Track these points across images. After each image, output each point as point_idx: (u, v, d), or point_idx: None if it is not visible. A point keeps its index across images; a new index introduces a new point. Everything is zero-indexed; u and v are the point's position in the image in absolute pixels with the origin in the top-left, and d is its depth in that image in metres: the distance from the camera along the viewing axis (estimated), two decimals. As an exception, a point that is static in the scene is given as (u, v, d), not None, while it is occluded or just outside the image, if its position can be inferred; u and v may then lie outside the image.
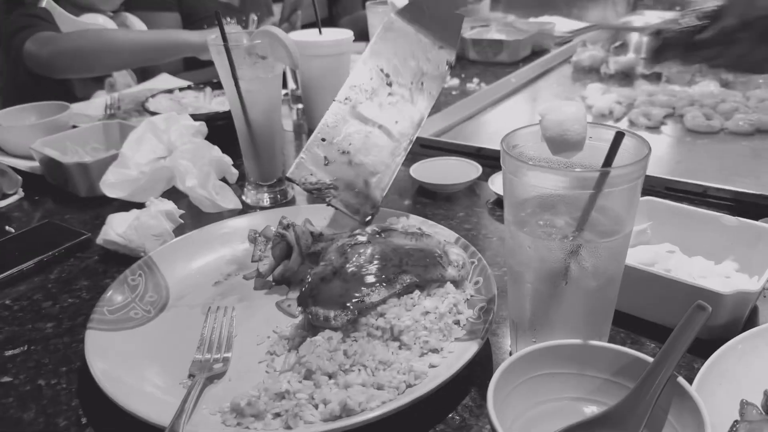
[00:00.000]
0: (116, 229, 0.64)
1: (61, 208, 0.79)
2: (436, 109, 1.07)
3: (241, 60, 0.68)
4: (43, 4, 1.18)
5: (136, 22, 1.29)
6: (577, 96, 1.09)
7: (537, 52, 1.43)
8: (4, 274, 0.62)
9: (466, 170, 0.79)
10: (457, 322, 0.49)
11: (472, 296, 0.52)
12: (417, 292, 0.50)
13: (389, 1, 1.02)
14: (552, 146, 0.45)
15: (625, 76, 1.19)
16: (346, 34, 0.97)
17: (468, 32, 1.45)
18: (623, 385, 0.39)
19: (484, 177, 0.77)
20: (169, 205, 0.67)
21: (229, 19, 1.52)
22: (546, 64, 1.32)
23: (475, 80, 1.25)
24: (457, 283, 0.53)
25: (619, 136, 0.38)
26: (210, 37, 0.69)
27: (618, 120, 0.97)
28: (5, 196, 0.80)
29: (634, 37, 1.32)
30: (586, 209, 0.40)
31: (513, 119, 1.04)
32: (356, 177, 0.62)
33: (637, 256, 0.55)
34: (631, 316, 0.52)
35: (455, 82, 1.25)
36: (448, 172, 0.79)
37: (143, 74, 1.33)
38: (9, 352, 0.53)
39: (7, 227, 0.74)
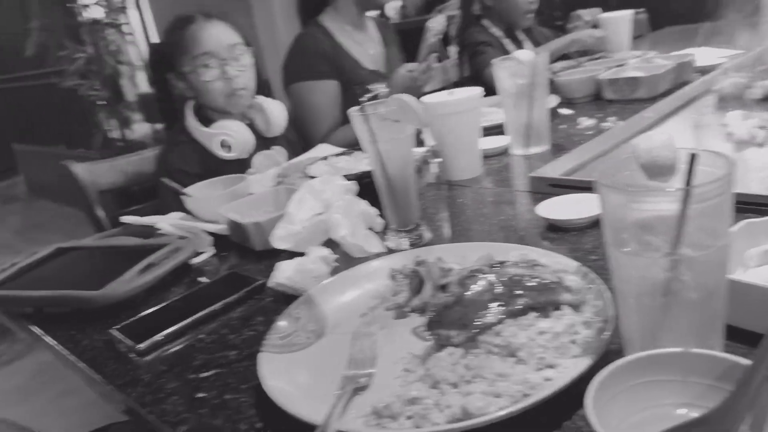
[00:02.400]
0: (284, 273, 0.77)
1: (242, 261, 0.95)
2: (566, 149, 1.11)
3: (378, 124, 0.80)
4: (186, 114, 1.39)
5: (272, 106, 1.46)
6: (718, 124, 1.07)
7: (678, 86, 1.40)
8: (199, 314, 0.77)
9: (593, 205, 0.82)
10: (573, 342, 0.53)
11: (590, 319, 0.56)
12: (533, 314, 0.55)
13: (514, 56, 1.10)
14: (646, 172, 0.49)
15: (773, 100, 1.13)
16: (474, 91, 1.06)
17: (603, 73, 1.47)
18: (727, 390, 0.41)
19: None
20: (326, 252, 0.80)
21: (377, 86, 1.70)
22: (686, 95, 1.30)
23: (612, 119, 1.26)
24: (575, 307, 0.57)
25: (693, 157, 0.42)
26: (352, 108, 0.82)
27: (762, 145, 0.94)
28: (199, 254, 0.98)
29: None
30: (678, 225, 0.44)
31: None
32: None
33: (763, 276, 0.56)
34: (753, 332, 0.52)
35: (591, 122, 1.28)
36: (575, 207, 0.82)
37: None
38: (203, 374, 0.66)
39: (199, 278, 0.91)
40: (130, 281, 0.86)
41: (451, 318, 0.55)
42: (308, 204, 0.92)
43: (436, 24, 1.47)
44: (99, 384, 0.70)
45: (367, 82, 1.69)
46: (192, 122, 1.39)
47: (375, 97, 1.70)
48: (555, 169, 0.97)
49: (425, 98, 1.07)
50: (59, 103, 4.45)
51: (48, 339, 0.82)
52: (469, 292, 0.57)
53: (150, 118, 6.70)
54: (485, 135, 1.22)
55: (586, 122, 1.28)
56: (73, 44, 3.67)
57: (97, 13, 3.84)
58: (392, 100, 0.80)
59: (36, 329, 0.85)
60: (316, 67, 1.63)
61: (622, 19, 1.91)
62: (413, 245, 0.85)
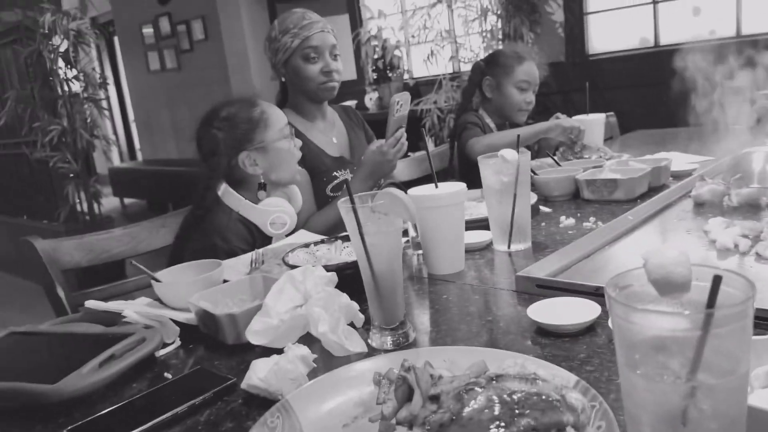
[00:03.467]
0: (258, 373, 0.71)
1: (211, 355, 0.88)
2: (552, 249, 1.10)
3: (366, 217, 0.77)
4: (220, 192, 1.38)
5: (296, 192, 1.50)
6: (700, 231, 1.08)
7: (654, 189, 1.43)
8: (161, 417, 0.70)
9: (585, 310, 0.79)
10: (579, 468, 0.49)
11: (594, 441, 0.52)
12: (536, 436, 0.51)
13: (500, 154, 1.10)
14: (658, 288, 0.47)
15: (750, 208, 1.15)
16: (459, 186, 1.06)
17: (581, 174, 1.49)
18: None
19: (605, 316, 0.77)
20: (304, 351, 0.74)
21: (343, 173, 1.70)
22: (665, 199, 1.32)
23: (592, 219, 1.27)
24: (578, 429, 0.53)
25: (717, 279, 0.40)
26: (341, 200, 0.79)
27: (745, 254, 0.94)
28: (165, 345, 0.92)
29: (756, 169, 1.29)
30: (698, 350, 0.41)
31: (633, 256, 1.03)
32: None
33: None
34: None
35: (571, 221, 1.28)
36: (566, 311, 0.80)
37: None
38: (165, 489, 0.59)
39: (165, 374, 0.84)
40: (88, 375, 0.79)
41: (446, 438, 0.51)
42: (288, 295, 0.87)
43: (400, 98, 1.50)
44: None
45: (332, 170, 1.70)
46: (241, 201, 1.37)
47: (341, 184, 1.71)
48: (541, 269, 0.95)
49: (411, 191, 1.06)
50: (27, 174, 4.37)
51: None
52: (467, 409, 0.52)
53: (118, 192, 6.61)
54: (466, 229, 1.21)
55: (566, 221, 1.28)
56: (49, 116, 3.65)
57: (76, 87, 3.85)
58: (382, 193, 0.78)
59: (-23, 427, 0.77)
60: None
61: (597, 121, 1.98)
62: (397, 345, 0.81)
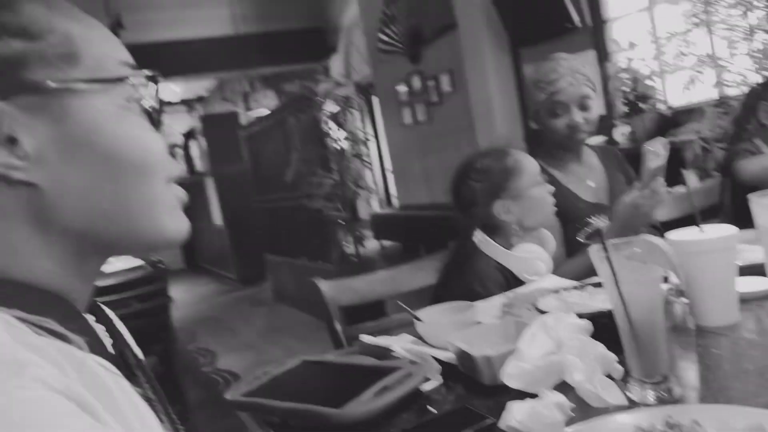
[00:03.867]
0: (516, 415, 0.75)
1: (470, 394, 0.94)
2: None
3: (621, 265, 0.77)
4: (477, 239, 1.46)
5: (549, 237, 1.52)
6: None
7: None
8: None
9: None
10: None
11: None
12: None
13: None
14: None
15: None
16: (729, 229, 0.97)
17: None
18: None
19: None
20: (561, 398, 0.76)
21: (598, 219, 1.65)
22: None
23: None
24: None
25: None
26: (593, 247, 0.80)
27: None
28: (427, 380, 1.00)
29: None
30: None
31: None
32: None
33: None
34: None
35: None
36: None
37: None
38: None
39: (429, 407, 0.92)
40: (367, 403, 0.91)
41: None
42: (540, 341, 0.90)
43: (655, 147, 1.41)
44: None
45: (586, 216, 1.66)
46: (497, 248, 1.45)
47: (596, 232, 1.64)
48: None
49: (671, 235, 1.01)
50: (306, 222, 5.08)
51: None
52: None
53: (378, 235, 7.27)
54: (741, 275, 1.09)
55: None
56: (323, 172, 4.22)
57: (344, 145, 4.41)
58: (638, 240, 0.77)
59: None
60: None
61: None
62: (660, 401, 0.77)
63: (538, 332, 0.91)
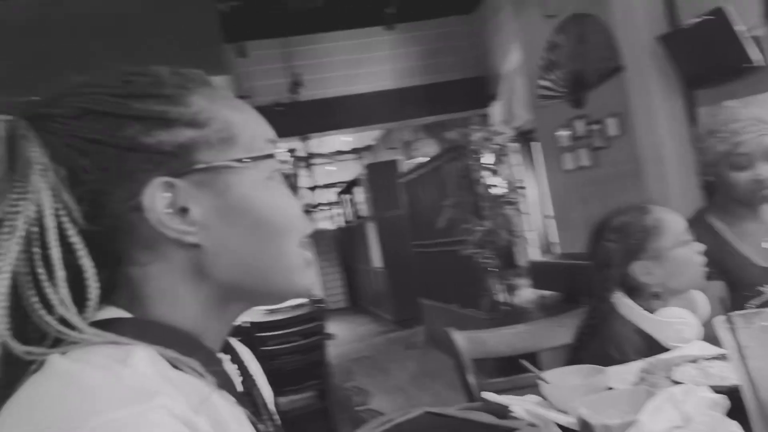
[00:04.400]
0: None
1: (588, 463, 0.91)
2: None
3: (750, 336, 0.71)
4: (615, 300, 1.38)
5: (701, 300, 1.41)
6: None
7: None
8: None
9: None
10: None
11: None
12: None
13: None
14: None
15: None
16: None
17: None
18: None
19: None
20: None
21: None
22: None
23: None
24: None
25: None
26: (718, 317, 0.75)
27: None
28: (547, 444, 0.98)
29: None
30: None
31: None
32: None
33: None
34: None
35: None
36: None
37: None
38: None
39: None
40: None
41: None
42: (665, 415, 0.84)
43: None
44: None
45: (758, 283, 1.49)
46: (635, 310, 1.37)
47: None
48: None
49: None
50: (458, 268, 5.11)
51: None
52: None
53: (537, 284, 7.09)
54: None
55: None
56: (475, 218, 4.25)
57: (499, 191, 4.40)
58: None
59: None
60: None
61: None
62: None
63: (664, 404, 0.86)
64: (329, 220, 10.73)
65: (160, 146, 0.58)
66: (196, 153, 0.59)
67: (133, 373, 0.50)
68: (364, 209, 8.58)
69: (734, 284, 1.50)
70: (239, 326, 3.21)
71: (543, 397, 1.14)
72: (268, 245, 0.62)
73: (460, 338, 1.65)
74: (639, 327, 1.34)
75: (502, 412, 1.10)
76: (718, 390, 0.86)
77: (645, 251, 1.38)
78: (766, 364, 0.71)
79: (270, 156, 0.64)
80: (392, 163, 8.25)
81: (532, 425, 1.01)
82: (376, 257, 8.18)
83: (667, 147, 5.37)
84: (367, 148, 13.54)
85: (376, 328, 8.01)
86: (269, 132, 0.66)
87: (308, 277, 0.66)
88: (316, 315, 3.57)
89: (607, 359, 1.29)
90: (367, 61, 8.73)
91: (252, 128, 0.64)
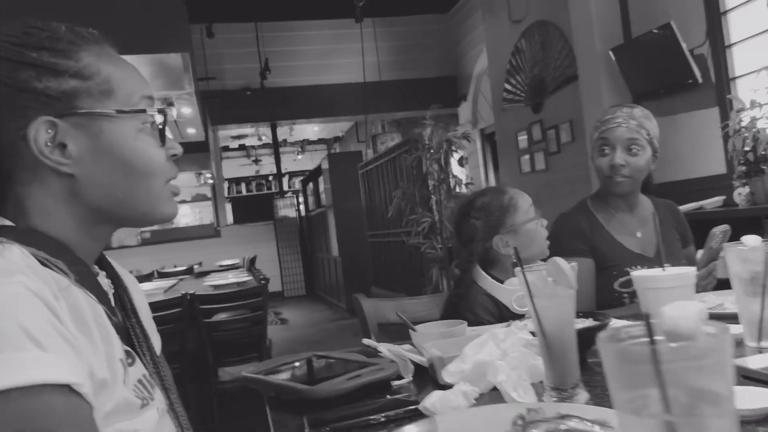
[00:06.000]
0: (430, 399, 0.88)
1: (430, 390, 1.07)
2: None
3: (536, 282, 0.88)
4: (474, 273, 1.59)
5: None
6: None
7: None
8: (360, 419, 0.92)
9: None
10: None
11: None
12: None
13: (742, 240, 1.03)
14: (667, 337, 0.50)
15: None
16: (687, 269, 1.03)
17: None
18: None
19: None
20: (468, 388, 0.88)
21: (639, 267, 1.67)
22: None
23: None
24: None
25: (647, 317, 0.44)
26: (516, 270, 0.92)
27: None
28: (400, 378, 1.15)
29: None
30: (660, 385, 0.44)
31: None
32: None
33: None
34: None
35: None
36: (753, 399, 0.74)
37: None
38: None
39: (388, 396, 1.06)
40: (336, 385, 1.07)
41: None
42: (487, 349, 1.02)
43: (722, 230, 1.45)
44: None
45: (625, 265, 1.69)
46: (487, 280, 1.58)
47: (629, 282, 1.67)
48: (759, 361, 0.87)
49: (635, 272, 1.08)
50: (405, 258, 5.29)
51: (269, 415, 1.08)
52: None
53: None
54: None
55: None
56: (423, 210, 4.43)
57: (446, 186, 4.59)
58: (550, 261, 0.88)
59: (267, 408, 1.12)
60: (570, 245, 1.72)
61: None
62: (560, 401, 0.86)
63: (488, 341, 1.03)
64: (293, 209, 10.82)
65: (47, 91, 0.72)
66: (78, 100, 0.74)
67: (4, 261, 0.65)
68: (325, 198, 8.71)
69: (602, 263, 1.70)
70: (183, 296, 3.33)
71: (414, 345, 1.30)
72: (133, 182, 0.78)
73: (366, 304, 1.82)
74: (491, 294, 1.54)
75: (373, 353, 1.26)
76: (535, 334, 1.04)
77: (503, 226, 1.58)
78: (545, 303, 0.88)
79: (142, 111, 0.78)
80: (356, 154, 8.40)
81: (392, 361, 1.17)
82: (333, 246, 8.33)
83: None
84: (336, 140, 13.63)
85: (330, 316, 8.16)
86: (146, 90, 0.81)
87: (172, 207, 0.82)
88: (259, 291, 3.71)
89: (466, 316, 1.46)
90: (338, 52, 8.85)
91: (130, 85, 0.79)
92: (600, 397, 0.90)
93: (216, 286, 4.05)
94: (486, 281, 1.58)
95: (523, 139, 7.41)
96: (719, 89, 4.60)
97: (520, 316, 1.48)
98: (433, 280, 4.51)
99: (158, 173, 0.80)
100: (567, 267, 0.86)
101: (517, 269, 0.91)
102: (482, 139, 8.82)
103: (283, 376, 1.20)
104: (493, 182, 8.84)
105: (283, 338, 6.49)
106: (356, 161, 7.77)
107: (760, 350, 1.03)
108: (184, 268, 6.62)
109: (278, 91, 8.73)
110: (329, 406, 1.04)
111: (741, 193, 4.27)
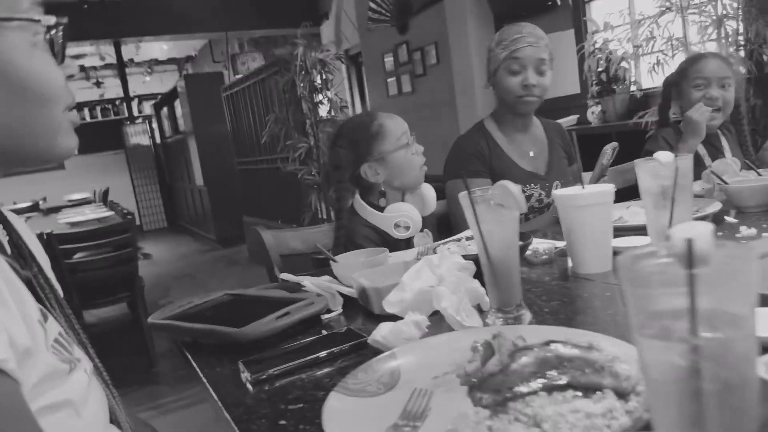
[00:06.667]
0: (381, 332, 0.85)
1: (366, 321, 1.04)
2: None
3: (483, 207, 0.87)
4: (353, 202, 1.56)
5: (425, 188, 1.63)
6: None
7: None
8: (304, 359, 0.87)
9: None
10: (609, 426, 0.53)
11: (634, 408, 0.55)
12: (572, 392, 0.56)
13: (655, 156, 1.09)
14: (680, 261, 0.50)
15: None
16: (606, 187, 1.07)
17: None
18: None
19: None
20: (420, 317, 0.86)
21: (532, 187, 1.75)
22: None
23: None
24: (621, 394, 0.56)
25: (690, 242, 0.43)
26: (461, 193, 0.90)
27: None
28: (331, 312, 1.11)
29: None
30: (691, 311, 0.44)
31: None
32: None
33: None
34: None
35: (752, 231, 1.19)
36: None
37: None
38: (291, 407, 0.76)
39: (323, 331, 1.03)
40: (266, 325, 1.01)
41: (489, 384, 0.59)
42: (424, 276, 1.00)
43: (612, 148, 1.52)
44: (214, 402, 0.83)
45: (521, 183, 1.74)
46: (366, 209, 1.56)
47: (528, 197, 1.75)
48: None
49: (557, 192, 1.11)
50: (280, 185, 5.16)
51: (194, 363, 0.99)
52: (514, 364, 0.60)
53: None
54: (626, 234, 1.20)
55: (746, 231, 1.19)
56: (299, 136, 4.29)
57: (322, 111, 4.46)
58: (496, 185, 0.86)
59: (188, 356, 1.04)
60: (468, 166, 1.74)
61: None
62: (509, 325, 0.88)
63: (423, 268, 1.02)
64: (146, 135, 10.04)
65: None
66: None
67: None
68: (184, 124, 8.16)
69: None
70: (40, 236, 2.99)
71: (335, 276, 1.26)
72: (30, 110, 0.63)
73: (267, 236, 1.73)
74: (370, 222, 1.54)
75: (296, 288, 1.20)
76: (467, 257, 1.04)
77: (371, 154, 1.56)
78: (491, 228, 0.87)
79: (34, 21, 0.63)
80: (216, 76, 7.87)
81: (319, 295, 1.12)
82: (197, 175, 7.91)
83: (477, 75, 5.80)
84: (189, 59, 12.65)
85: (198, 248, 7.85)
86: None
87: (73, 139, 0.68)
88: (126, 226, 3.43)
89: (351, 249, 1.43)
90: (189, -37, 8.05)
91: None
92: (539, 314, 0.93)
93: (74, 224, 3.68)
94: (365, 210, 1.56)
95: (389, 61, 7.37)
96: (576, 12, 4.83)
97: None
98: (313, 207, 4.45)
99: (58, 98, 0.66)
100: (516, 189, 0.85)
101: (462, 194, 0.89)
102: (347, 61, 8.65)
103: (200, 319, 1.10)
104: (359, 107, 8.79)
105: (151, 274, 6.15)
106: (218, 83, 7.28)
107: (666, 258, 1.11)
108: (28, 204, 5.96)
109: (122, 3, 7.81)
110: (261, 347, 0.98)
111: (594, 112, 4.60)
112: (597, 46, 4.47)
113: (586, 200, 1.07)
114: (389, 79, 7.42)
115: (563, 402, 0.55)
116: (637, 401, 0.55)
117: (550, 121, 1.97)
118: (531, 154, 1.84)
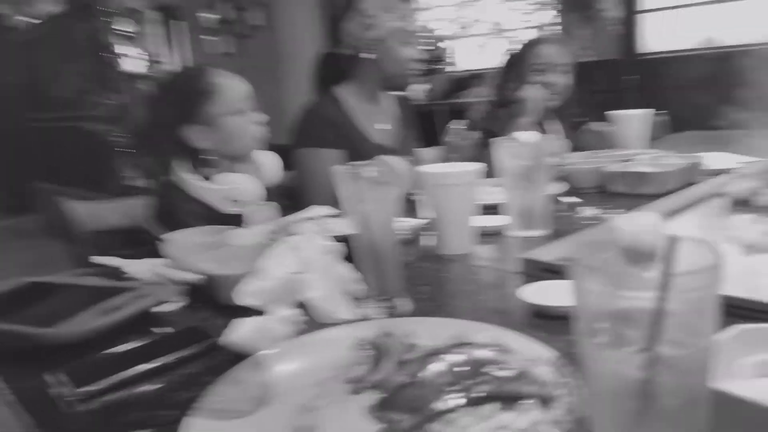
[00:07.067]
0: (239, 331, 0.71)
1: (215, 314, 0.88)
2: (560, 235, 1.06)
3: (365, 185, 0.77)
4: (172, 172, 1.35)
5: (263, 156, 1.47)
6: (725, 227, 1.02)
7: (686, 186, 1.37)
8: (140, 367, 0.71)
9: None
10: (536, 440, 0.47)
11: (560, 418, 0.50)
12: (495, 405, 0.49)
13: (514, 137, 1.08)
14: (626, 257, 0.44)
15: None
16: (475, 166, 1.03)
17: (611, 166, 1.44)
18: None
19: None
20: (290, 312, 0.74)
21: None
22: (694, 195, 1.26)
23: (616, 211, 1.22)
24: (544, 402, 0.51)
25: (674, 241, 0.37)
26: (338, 169, 0.79)
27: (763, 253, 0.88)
28: (165, 301, 0.93)
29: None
30: (656, 319, 0.38)
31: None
32: None
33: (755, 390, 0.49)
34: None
35: (594, 211, 1.24)
36: (562, 294, 0.77)
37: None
38: None
39: (163, 329, 0.86)
40: (84, 322, 0.81)
41: (402, 400, 0.49)
42: (286, 261, 0.87)
43: (455, 126, 1.50)
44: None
45: (372, 156, 1.67)
46: (189, 181, 1.34)
47: None
48: (549, 253, 0.92)
49: (423, 168, 1.05)
50: (83, 146, 4.56)
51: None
52: (425, 373, 0.51)
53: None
54: (489, 213, 1.19)
55: (588, 211, 1.24)
56: (105, 91, 3.79)
57: (135, 66, 3.99)
58: (379, 161, 0.77)
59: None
60: (320, 135, 1.63)
61: (635, 117, 1.90)
62: (388, 315, 0.79)
63: (285, 252, 0.89)
64: None
65: None
66: None
67: None
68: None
69: (350, 155, 1.65)
70: None
71: (165, 258, 1.08)
72: None
73: (76, 207, 1.46)
74: (195, 196, 1.33)
75: (118, 275, 1.00)
76: (338, 239, 0.93)
77: (198, 115, 1.34)
78: (373, 208, 0.78)
79: None
80: (-1, 17, 6.69)
81: (149, 284, 0.94)
82: (-25, 131, 6.71)
83: (306, 44, 5.63)
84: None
85: (-24, 216, 6.71)
86: None
87: None
88: None
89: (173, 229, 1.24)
90: None
91: None
92: (419, 301, 0.86)
93: None
94: (187, 183, 1.32)
95: (211, 18, 6.86)
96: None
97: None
98: (123, 173, 3.98)
99: None
100: (401, 167, 0.76)
101: (340, 168, 0.78)
102: (167, 15, 7.89)
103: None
104: (177, 60, 8.11)
105: None
106: (1, 27, 6.18)
107: (523, 239, 1.11)
108: None
109: None
110: (77, 353, 0.78)
111: (419, 89, 4.74)
112: (420, 26, 4.58)
113: (448, 179, 1.02)
114: (210, 38, 6.93)
115: (488, 417, 0.48)
116: (563, 410, 0.50)
117: (399, 95, 1.92)
118: (383, 127, 1.78)
